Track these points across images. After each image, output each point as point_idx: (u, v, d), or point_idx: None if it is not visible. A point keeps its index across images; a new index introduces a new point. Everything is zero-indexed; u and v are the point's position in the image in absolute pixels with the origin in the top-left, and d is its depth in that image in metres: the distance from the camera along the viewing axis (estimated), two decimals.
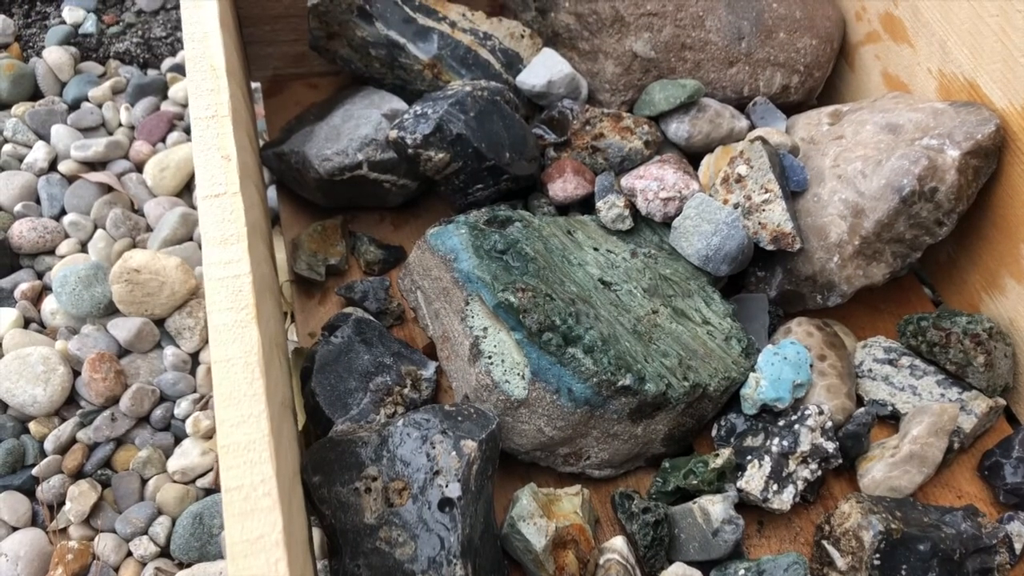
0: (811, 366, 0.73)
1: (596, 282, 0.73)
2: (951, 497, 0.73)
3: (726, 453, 0.68)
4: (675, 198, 0.78)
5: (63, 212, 1.07)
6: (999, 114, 0.76)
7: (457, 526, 0.58)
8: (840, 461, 0.70)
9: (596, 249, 0.77)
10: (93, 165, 1.11)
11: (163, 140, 1.16)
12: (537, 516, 0.63)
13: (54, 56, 1.21)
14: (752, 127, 0.89)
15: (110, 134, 1.17)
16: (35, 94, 1.20)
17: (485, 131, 0.77)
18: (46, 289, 1.00)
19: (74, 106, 1.18)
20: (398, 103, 0.86)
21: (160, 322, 0.96)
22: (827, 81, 0.98)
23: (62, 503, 0.87)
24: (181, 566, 0.85)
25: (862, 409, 0.73)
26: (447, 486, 0.59)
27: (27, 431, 0.90)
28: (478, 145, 0.76)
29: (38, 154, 1.11)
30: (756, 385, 0.71)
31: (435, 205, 0.89)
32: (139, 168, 1.13)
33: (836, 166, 0.78)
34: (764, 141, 0.78)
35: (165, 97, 1.22)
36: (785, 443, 0.69)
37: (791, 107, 0.94)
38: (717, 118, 0.84)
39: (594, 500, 0.71)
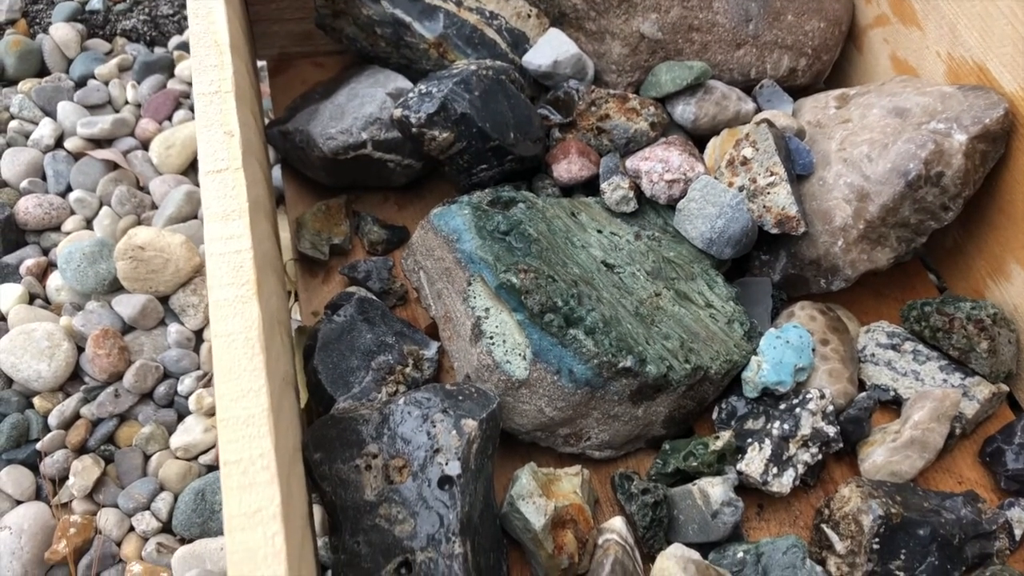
0: (813, 350, 0.73)
1: (599, 264, 0.73)
2: (952, 483, 0.73)
3: (726, 436, 0.68)
4: (680, 180, 0.78)
5: (69, 189, 1.08)
6: (1008, 98, 0.75)
7: (456, 504, 0.58)
8: (841, 445, 0.70)
9: (600, 231, 0.77)
10: (99, 142, 1.12)
11: (169, 118, 1.16)
12: (536, 495, 0.64)
13: (61, 33, 1.21)
14: (759, 110, 0.88)
15: (116, 111, 1.17)
16: (42, 71, 1.20)
17: (490, 111, 0.77)
18: (51, 265, 1.01)
19: (80, 83, 1.18)
20: (403, 82, 0.85)
21: (164, 299, 0.97)
22: (835, 64, 0.97)
23: (65, 478, 0.87)
24: (183, 542, 0.85)
25: (864, 394, 0.73)
26: (447, 464, 0.59)
27: (31, 406, 0.91)
28: (482, 125, 0.76)
29: (44, 131, 1.11)
30: (758, 368, 0.71)
31: (439, 185, 0.89)
32: (145, 146, 1.13)
33: (842, 150, 0.77)
34: (770, 124, 0.78)
35: (171, 75, 1.22)
36: (786, 427, 0.69)
37: (798, 90, 0.93)
38: (724, 100, 0.84)
39: (594, 481, 0.71)
